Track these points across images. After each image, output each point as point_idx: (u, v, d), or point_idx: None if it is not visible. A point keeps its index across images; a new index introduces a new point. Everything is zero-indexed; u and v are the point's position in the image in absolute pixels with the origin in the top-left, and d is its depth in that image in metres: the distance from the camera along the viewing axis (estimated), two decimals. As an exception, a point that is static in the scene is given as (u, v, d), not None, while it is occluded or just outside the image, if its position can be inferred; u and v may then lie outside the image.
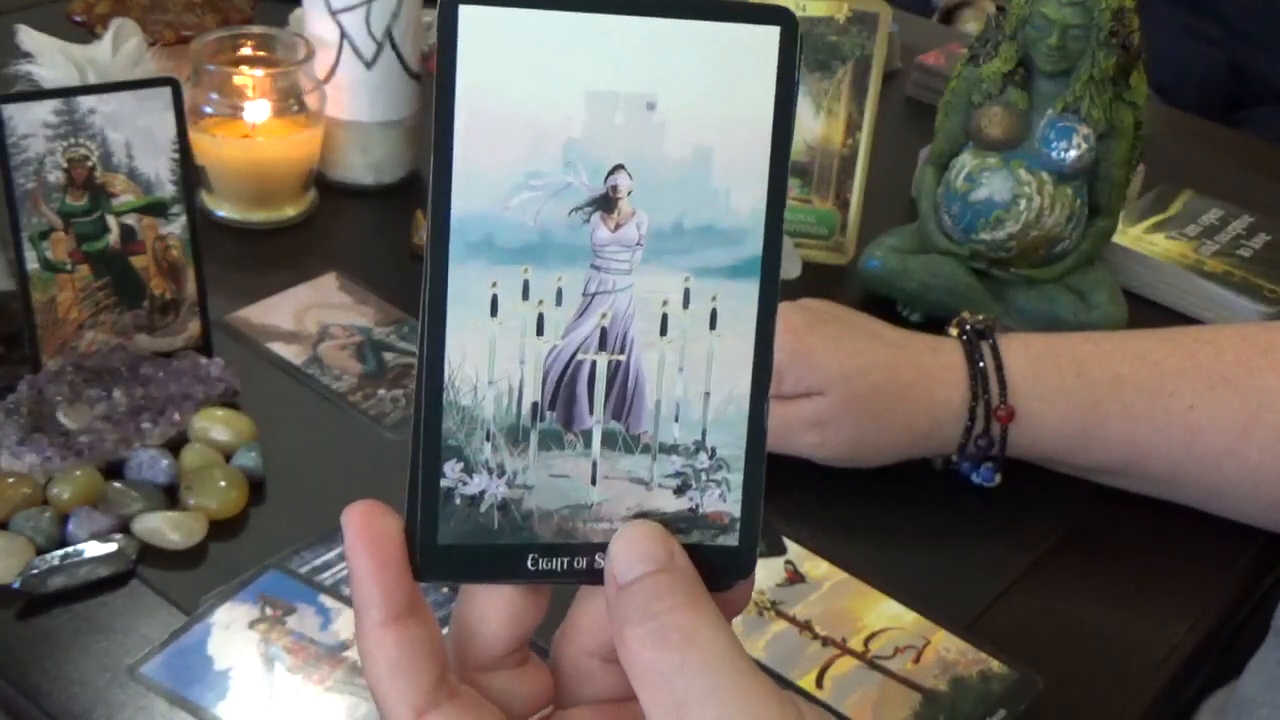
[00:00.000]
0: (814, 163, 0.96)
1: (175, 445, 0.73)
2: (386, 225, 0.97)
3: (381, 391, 0.80)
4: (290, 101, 0.95)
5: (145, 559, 0.67)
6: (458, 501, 0.36)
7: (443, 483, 0.36)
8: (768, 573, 0.70)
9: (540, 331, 0.35)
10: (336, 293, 0.89)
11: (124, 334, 0.79)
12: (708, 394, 0.36)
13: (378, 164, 1.01)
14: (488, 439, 0.36)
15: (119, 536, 0.67)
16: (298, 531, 0.69)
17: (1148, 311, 0.95)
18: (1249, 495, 0.73)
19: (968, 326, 0.76)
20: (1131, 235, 1.00)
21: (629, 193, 0.35)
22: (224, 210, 0.96)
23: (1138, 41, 0.84)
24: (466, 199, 0.34)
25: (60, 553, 0.66)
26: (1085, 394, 0.74)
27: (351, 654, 0.63)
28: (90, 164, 0.75)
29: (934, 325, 0.83)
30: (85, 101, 0.74)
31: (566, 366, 0.36)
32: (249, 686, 0.62)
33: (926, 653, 0.66)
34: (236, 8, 1.21)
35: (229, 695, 0.61)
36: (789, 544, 0.72)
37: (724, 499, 0.37)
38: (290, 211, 0.97)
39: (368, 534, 0.36)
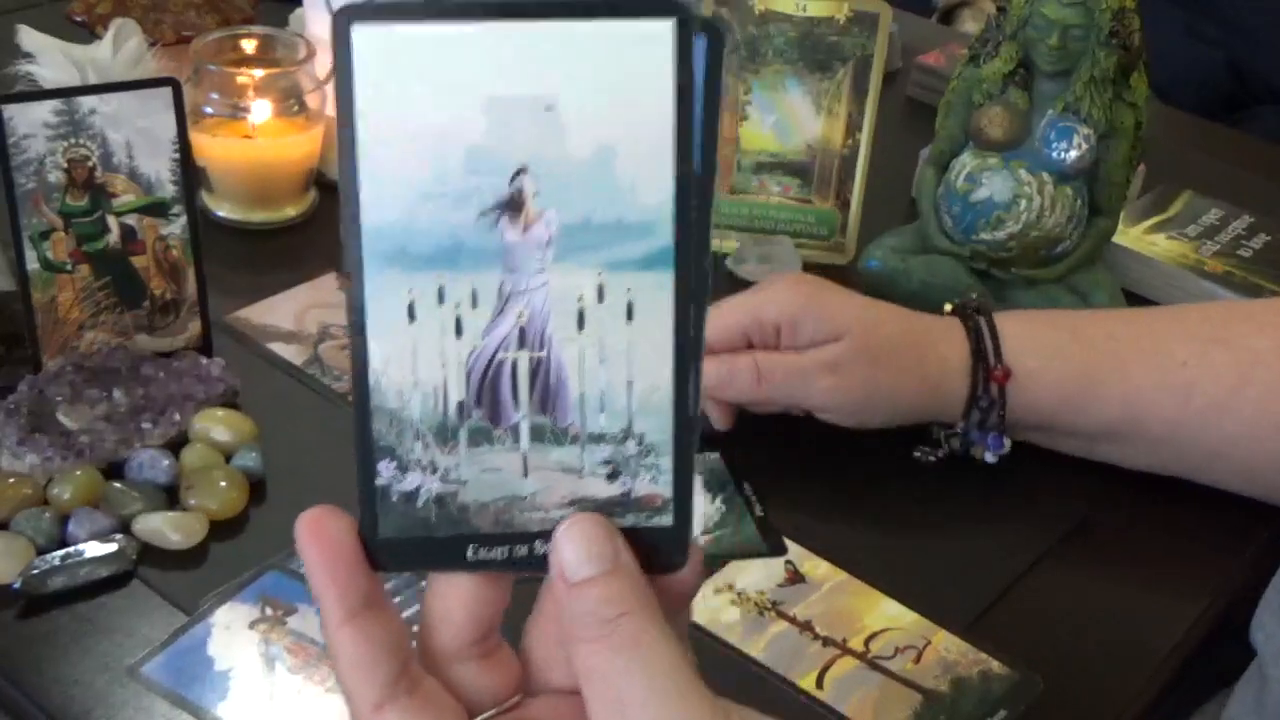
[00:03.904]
0: (814, 163, 0.96)
1: (176, 445, 0.73)
2: (387, 225, 0.97)
3: (382, 392, 0.80)
4: (290, 101, 0.95)
5: (146, 559, 0.67)
6: (394, 498, 0.38)
7: (378, 481, 0.38)
8: (768, 573, 0.70)
9: (459, 333, 0.36)
10: (337, 293, 0.89)
11: (124, 334, 0.79)
12: (630, 383, 0.37)
13: (378, 164, 1.01)
14: (418, 438, 0.37)
15: (119, 537, 0.67)
16: (298, 532, 0.69)
17: (1148, 312, 0.95)
18: (1246, 453, 0.74)
19: (961, 303, 0.78)
20: (1132, 235, 1.00)
21: (535, 194, 0.35)
22: (224, 210, 0.96)
23: (1138, 42, 0.84)
24: (376, 211, 0.35)
25: (60, 553, 0.66)
26: (1081, 353, 0.75)
27: (352, 654, 0.63)
28: (91, 164, 0.75)
29: (934, 325, 0.83)
30: (86, 102, 0.74)
31: (488, 366, 0.37)
32: (249, 687, 0.61)
33: (927, 653, 0.66)
34: (237, 8, 1.21)
35: (229, 695, 0.61)
36: (789, 544, 0.72)
37: (655, 482, 0.38)
38: (290, 211, 0.97)
39: (319, 537, 0.38)
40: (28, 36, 1.01)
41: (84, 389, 0.74)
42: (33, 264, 0.75)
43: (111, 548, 0.66)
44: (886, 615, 0.68)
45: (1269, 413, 0.73)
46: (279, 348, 0.84)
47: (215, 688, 0.61)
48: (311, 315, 0.87)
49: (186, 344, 0.80)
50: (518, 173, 0.35)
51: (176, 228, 0.78)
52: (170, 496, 0.71)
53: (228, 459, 0.73)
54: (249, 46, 0.97)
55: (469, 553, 0.38)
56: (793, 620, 0.67)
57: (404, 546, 0.38)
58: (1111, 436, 0.77)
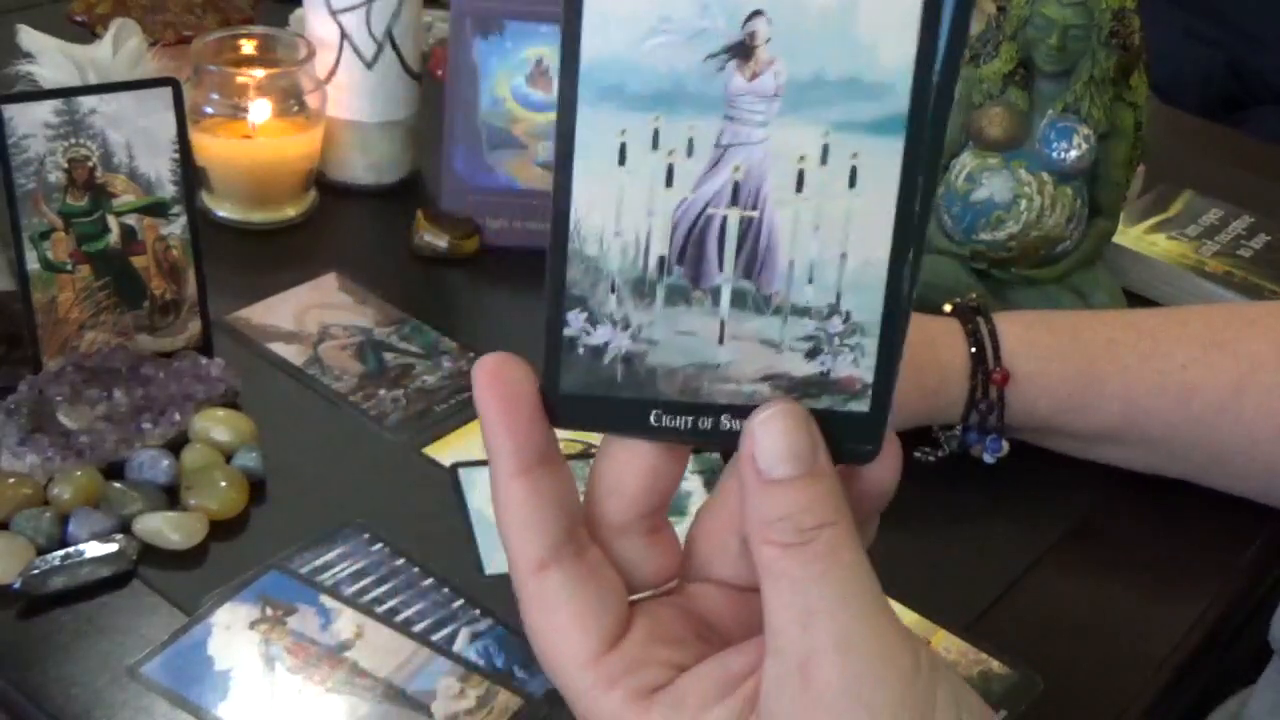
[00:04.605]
0: (814, 163, 0.96)
1: (176, 445, 0.73)
2: (386, 225, 0.97)
3: (382, 392, 0.80)
4: (291, 102, 0.95)
5: (146, 559, 0.67)
6: (581, 351, 0.36)
7: (566, 331, 0.35)
8: (768, 573, 0.70)
9: (669, 183, 0.34)
10: (337, 293, 0.89)
11: (125, 334, 0.79)
12: (844, 256, 0.35)
13: (378, 164, 1.01)
14: (612, 290, 0.35)
15: (120, 537, 0.67)
16: (298, 531, 0.69)
17: (1148, 312, 0.95)
18: (1246, 456, 0.74)
19: (961, 304, 0.78)
20: (1132, 235, 1.00)
21: (767, 40, 0.33)
22: (224, 210, 0.96)
23: (1138, 42, 0.84)
24: (597, 42, 0.33)
25: (61, 553, 0.66)
26: (1080, 355, 0.75)
27: (351, 654, 0.63)
28: (91, 164, 0.75)
29: (934, 325, 0.83)
30: (86, 102, 0.74)
31: (696, 220, 0.35)
32: (250, 687, 0.62)
33: (927, 653, 0.66)
34: (237, 8, 1.21)
35: (230, 696, 0.61)
36: (789, 544, 0.72)
37: (857, 364, 0.36)
38: (290, 211, 0.97)
39: (498, 383, 0.36)
40: (28, 36, 1.01)
41: (84, 389, 0.74)
42: (33, 264, 0.75)
43: (111, 548, 0.66)
44: (886, 615, 0.68)
45: (1269, 416, 0.73)
46: (279, 348, 0.84)
47: (215, 688, 0.61)
48: (311, 315, 0.87)
49: (186, 344, 0.80)
50: (752, 15, 0.33)
51: (176, 228, 0.78)
52: (170, 496, 0.71)
53: (228, 459, 0.73)
54: (249, 46, 0.97)
55: (651, 418, 0.36)
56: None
57: (585, 404, 0.36)
58: (1111, 439, 0.77)
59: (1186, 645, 0.70)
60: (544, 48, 0.93)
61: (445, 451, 0.77)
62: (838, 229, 0.34)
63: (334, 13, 0.96)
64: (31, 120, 0.73)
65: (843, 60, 0.33)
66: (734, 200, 0.34)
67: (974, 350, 0.75)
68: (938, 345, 0.76)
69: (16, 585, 0.64)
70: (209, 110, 0.93)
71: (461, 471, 0.75)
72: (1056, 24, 0.83)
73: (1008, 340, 0.75)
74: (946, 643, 0.67)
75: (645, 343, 0.35)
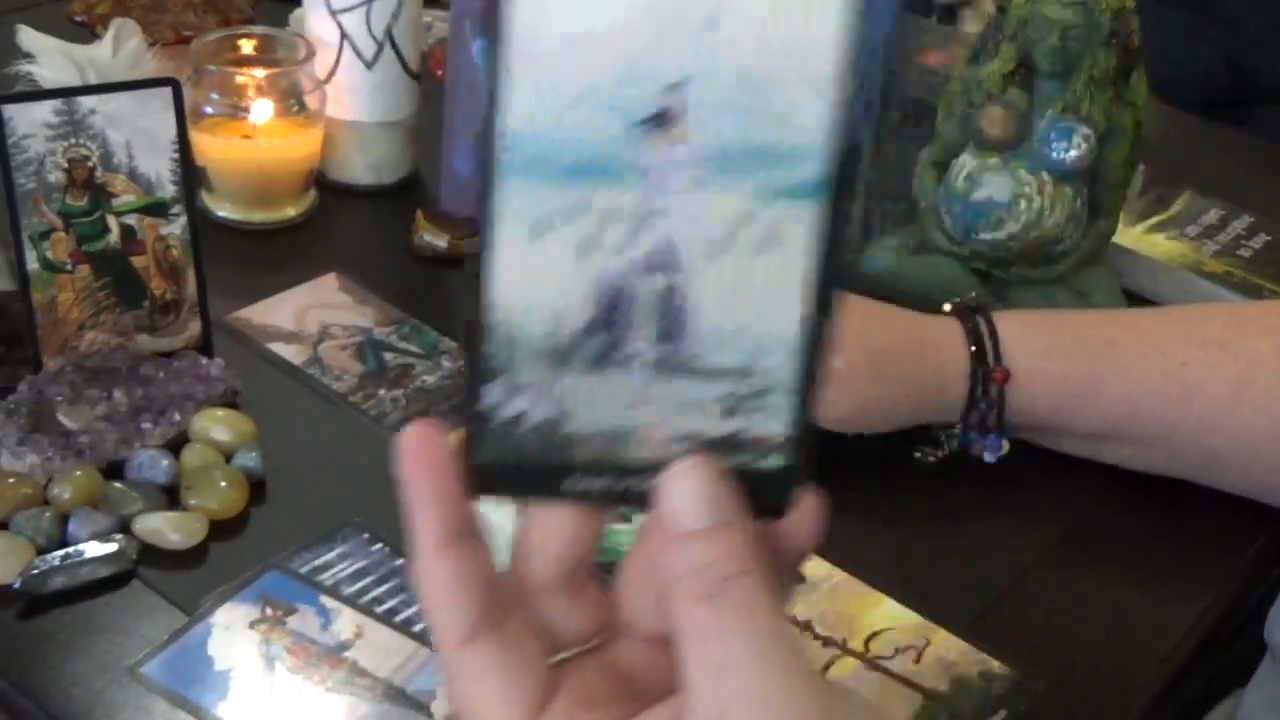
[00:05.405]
0: (814, 163, 0.96)
1: (176, 445, 0.73)
2: (386, 225, 0.97)
3: (382, 392, 0.80)
4: (291, 101, 0.95)
5: (146, 559, 0.67)
6: (497, 422, 0.35)
7: (482, 403, 0.35)
8: (768, 573, 0.70)
9: (590, 252, 0.34)
10: (337, 293, 0.89)
11: (124, 334, 0.79)
12: (761, 318, 0.35)
13: (378, 164, 1.01)
14: (531, 359, 0.35)
15: (119, 537, 0.67)
16: (298, 531, 0.69)
17: (1148, 312, 0.95)
18: (1247, 456, 0.74)
19: (961, 303, 0.78)
20: (1132, 235, 1.00)
21: (687, 110, 0.33)
22: (224, 210, 0.96)
23: (1138, 42, 0.84)
24: (516, 113, 0.33)
25: (61, 553, 0.66)
26: (1080, 355, 0.76)
27: (351, 654, 0.63)
28: (91, 164, 0.75)
29: (934, 325, 0.83)
30: (86, 102, 0.74)
31: (615, 289, 0.35)
32: (249, 687, 0.62)
33: (927, 653, 0.66)
34: (236, 8, 1.21)
35: (229, 696, 0.61)
36: (789, 544, 0.72)
37: (773, 422, 0.36)
38: (290, 211, 0.97)
39: (424, 456, 0.36)
40: (28, 36, 1.01)
41: (84, 389, 0.74)
42: (33, 264, 0.75)
43: (111, 548, 0.66)
44: (886, 615, 0.68)
45: (1269, 415, 0.73)
46: (279, 348, 0.84)
47: (215, 688, 0.61)
48: (311, 315, 0.87)
49: (186, 344, 0.80)
50: (672, 86, 0.33)
51: (176, 228, 0.78)
52: (170, 496, 0.71)
53: (228, 459, 0.73)
54: (249, 46, 0.97)
55: (567, 483, 0.36)
56: (792, 620, 0.67)
57: (501, 473, 0.36)
58: (1110, 438, 0.77)
59: (1186, 645, 0.70)
60: (544, 48, 0.93)
61: (445, 451, 0.76)
62: (755, 293, 0.35)
63: (334, 13, 0.96)
64: (31, 120, 0.73)
65: (760, 128, 0.33)
66: (653, 268, 0.34)
67: (974, 349, 0.75)
68: (938, 344, 0.76)
69: (16, 585, 0.64)
70: (209, 110, 0.93)
71: (461, 471, 0.75)
72: (1056, 24, 0.83)
73: (1008, 339, 0.75)
74: (947, 643, 0.67)
75: (562, 410, 0.35)
